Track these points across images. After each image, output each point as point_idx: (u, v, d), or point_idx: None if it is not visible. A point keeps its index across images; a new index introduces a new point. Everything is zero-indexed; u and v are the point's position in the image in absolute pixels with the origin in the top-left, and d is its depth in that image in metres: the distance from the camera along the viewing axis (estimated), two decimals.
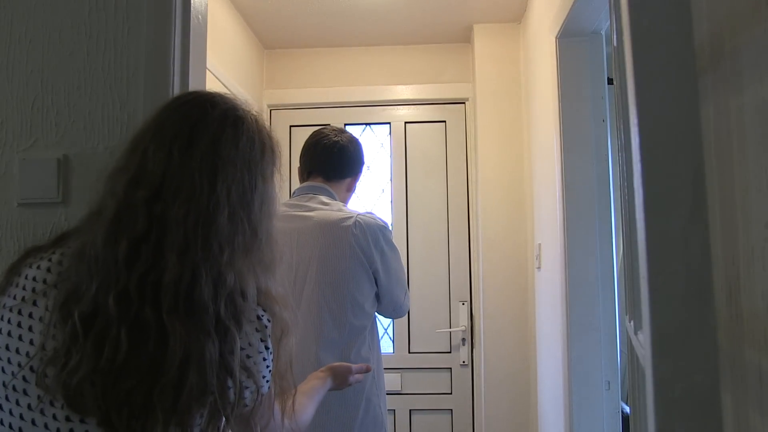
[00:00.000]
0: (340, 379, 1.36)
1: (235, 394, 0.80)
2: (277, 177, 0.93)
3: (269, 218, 0.90)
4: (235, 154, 0.86)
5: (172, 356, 0.74)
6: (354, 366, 1.40)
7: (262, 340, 0.85)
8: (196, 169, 0.83)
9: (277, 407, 0.95)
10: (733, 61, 0.68)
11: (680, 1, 0.69)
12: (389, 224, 3.29)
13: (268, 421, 0.94)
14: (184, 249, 0.79)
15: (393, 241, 1.83)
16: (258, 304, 0.86)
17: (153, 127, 0.87)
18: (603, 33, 2.19)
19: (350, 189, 1.93)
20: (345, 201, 1.92)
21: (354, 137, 1.96)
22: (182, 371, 0.75)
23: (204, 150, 0.84)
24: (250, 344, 0.83)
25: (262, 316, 0.86)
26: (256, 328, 0.85)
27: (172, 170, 0.82)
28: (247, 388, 0.82)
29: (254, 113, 0.93)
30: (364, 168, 1.99)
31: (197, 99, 0.91)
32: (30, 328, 0.78)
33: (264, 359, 0.86)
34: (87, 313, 0.75)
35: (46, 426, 0.75)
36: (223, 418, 0.80)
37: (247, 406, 0.84)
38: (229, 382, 0.79)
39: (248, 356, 0.83)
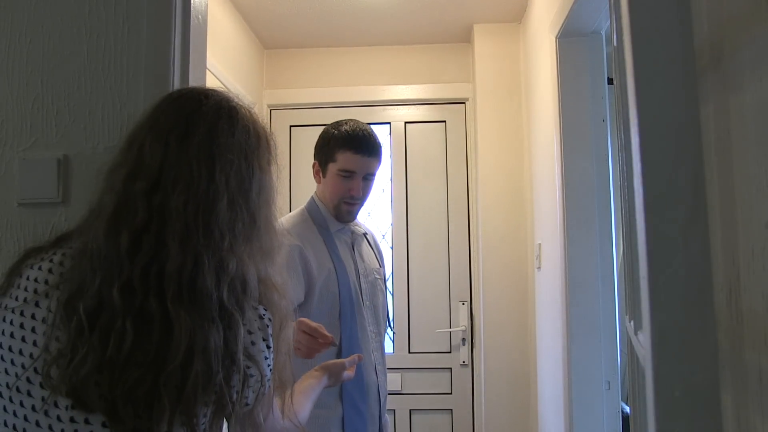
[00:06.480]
0: (334, 377, 1.38)
1: (239, 381, 0.80)
2: (274, 167, 0.94)
3: (267, 206, 0.90)
4: (232, 142, 0.86)
5: (177, 345, 0.75)
6: (347, 361, 1.42)
7: (264, 339, 0.85)
8: (194, 158, 0.83)
9: (275, 401, 0.95)
10: (733, 61, 0.67)
11: (680, 1, 0.69)
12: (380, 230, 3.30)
13: (267, 413, 0.94)
14: (185, 237, 0.79)
15: None
16: (258, 293, 0.86)
17: (148, 122, 0.88)
18: (603, 33, 2.19)
19: (318, 174, 1.82)
20: (327, 193, 1.81)
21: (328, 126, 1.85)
22: (187, 360, 0.75)
23: (201, 139, 0.85)
24: (251, 332, 0.84)
25: (264, 315, 0.87)
26: (258, 327, 0.85)
27: (170, 161, 0.83)
28: (252, 376, 0.82)
29: (247, 105, 0.94)
30: (331, 150, 1.77)
31: (191, 93, 0.92)
32: (33, 329, 0.78)
33: (266, 357, 0.86)
34: (92, 308, 0.76)
35: (50, 427, 0.75)
36: (227, 412, 0.80)
37: (248, 405, 0.84)
38: (234, 370, 0.79)
39: (252, 342, 0.83)
